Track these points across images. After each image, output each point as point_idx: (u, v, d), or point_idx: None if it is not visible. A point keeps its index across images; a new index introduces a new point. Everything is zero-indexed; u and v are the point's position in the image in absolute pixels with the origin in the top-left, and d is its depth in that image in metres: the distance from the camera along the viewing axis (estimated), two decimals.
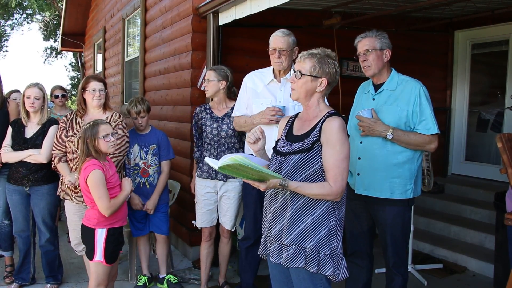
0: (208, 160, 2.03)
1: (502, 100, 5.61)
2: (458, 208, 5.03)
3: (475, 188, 5.28)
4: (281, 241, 2.13)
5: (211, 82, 3.41)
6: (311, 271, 2.05)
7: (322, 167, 2.07)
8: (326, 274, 2.06)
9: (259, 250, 2.31)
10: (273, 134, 2.99)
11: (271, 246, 2.20)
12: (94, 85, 3.23)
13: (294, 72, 2.18)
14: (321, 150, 2.07)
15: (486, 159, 5.79)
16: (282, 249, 2.13)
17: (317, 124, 2.13)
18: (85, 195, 2.77)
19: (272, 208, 2.20)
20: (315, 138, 2.09)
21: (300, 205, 2.09)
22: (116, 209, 2.74)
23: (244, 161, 1.86)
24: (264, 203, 2.29)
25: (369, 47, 2.73)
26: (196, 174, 3.57)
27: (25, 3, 18.10)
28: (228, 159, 1.85)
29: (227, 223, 3.50)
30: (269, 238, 2.22)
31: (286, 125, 2.32)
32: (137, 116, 3.62)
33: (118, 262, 2.99)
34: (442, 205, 5.20)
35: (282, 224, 2.13)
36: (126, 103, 6.81)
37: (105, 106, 3.31)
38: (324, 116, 2.14)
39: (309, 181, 2.07)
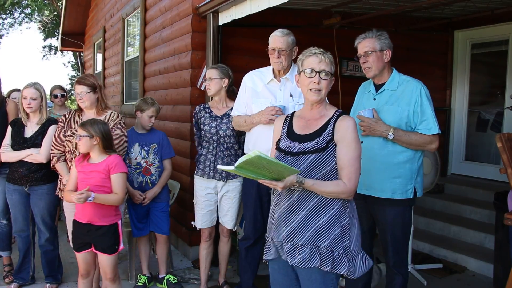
0: (221, 166, 2.04)
1: (501, 100, 5.61)
2: (458, 208, 5.02)
3: (474, 188, 5.28)
4: (294, 241, 2.08)
5: (214, 80, 3.38)
6: (325, 269, 2.03)
7: (336, 166, 2.07)
8: (342, 273, 2.04)
9: (264, 256, 2.25)
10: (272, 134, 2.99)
11: (283, 248, 2.12)
12: (77, 88, 3.22)
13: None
14: (335, 149, 2.07)
15: (485, 159, 5.78)
16: (295, 250, 2.08)
17: (327, 123, 2.12)
18: None
19: (282, 208, 2.14)
20: (329, 137, 2.08)
21: (314, 204, 2.06)
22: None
23: (261, 153, 1.81)
24: (271, 205, 2.24)
25: (369, 48, 2.72)
26: (194, 173, 3.56)
27: (23, 2, 18.08)
28: (245, 156, 1.81)
29: (228, 222, 3.49)
30: (273, 240, 2.17)
31: (283, 124, 2.27)
32: (152, 115, 3.64)
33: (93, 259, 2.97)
34: (441, 205, 5.19)
35: (295, 224, 2.08)
36: (126, 103, 6.82)
37: (98, 108, 3.24)
38: (334, 115, 2.14)
39: (323, 180, 2.06)
